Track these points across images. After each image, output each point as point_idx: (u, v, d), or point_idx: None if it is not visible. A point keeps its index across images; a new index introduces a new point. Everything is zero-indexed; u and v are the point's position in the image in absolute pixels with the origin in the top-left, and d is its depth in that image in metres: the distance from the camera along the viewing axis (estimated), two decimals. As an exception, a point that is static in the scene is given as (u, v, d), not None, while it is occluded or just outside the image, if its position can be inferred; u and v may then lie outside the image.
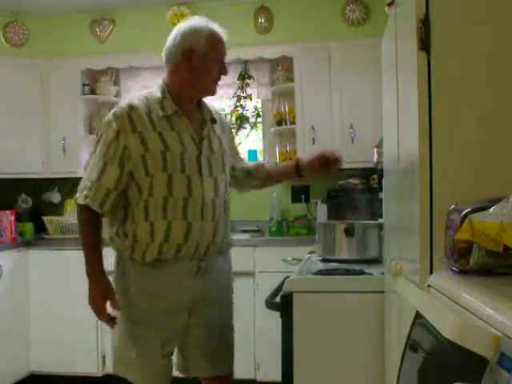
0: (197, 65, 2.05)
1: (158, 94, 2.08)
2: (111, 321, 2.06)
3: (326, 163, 2.32)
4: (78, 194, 2.06)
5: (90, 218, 2.06)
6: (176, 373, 2.21)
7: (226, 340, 2.23)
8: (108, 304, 2.06)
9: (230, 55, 4.52)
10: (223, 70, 2.11)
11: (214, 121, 2.17)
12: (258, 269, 3.74)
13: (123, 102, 2.08)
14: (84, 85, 4.42)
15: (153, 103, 2.05)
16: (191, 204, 2.01)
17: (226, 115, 4.44)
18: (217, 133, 2.17)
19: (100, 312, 2.04)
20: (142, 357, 2.05)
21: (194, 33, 2.05)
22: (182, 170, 2.01)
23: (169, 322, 2.07)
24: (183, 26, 2.09)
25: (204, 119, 2.14)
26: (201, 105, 2.16)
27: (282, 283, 2.25)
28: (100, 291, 2.03)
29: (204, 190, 2.04)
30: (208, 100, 2.22)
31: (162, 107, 2.05)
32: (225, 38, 2.11)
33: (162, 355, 2.08)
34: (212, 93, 2.14)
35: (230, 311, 2.26)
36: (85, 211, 2.05)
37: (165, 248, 2.02)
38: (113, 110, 2.04)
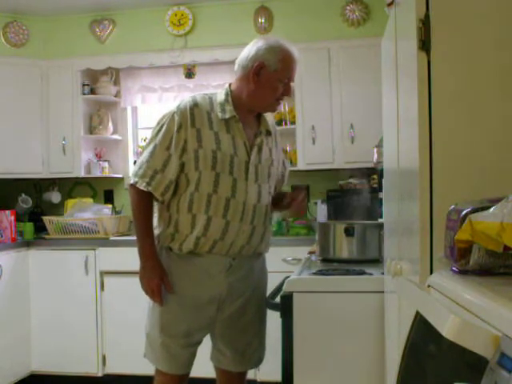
0: (264, 79, 2.13)
1: (222, 97, 2.18)
2: (162, 302, 2.15)
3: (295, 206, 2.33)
4: (136, 179, 2.14)
5: (146, 203, 2.16)
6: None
7: (253, 338, 2.29)
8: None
9: (230, 55, 4.54)
10: (286, 91, 2.18)
11: (268, 133, 2.26)
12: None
13: (188, 97, 2.18)
14: (84, 85, 4.42)
15: (215, 104, 2.16)
16: (233, 205, 2.11)
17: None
18: (269, 145, 2.25)
19: (154, 293, 2.14)
20: (166, 346, 2.17)
21: (270, 48, 2.13)
22: (230, 171, 2.11)
23: (195, 313, 2.17)
24: (262, 40, 2.18)
25: (260, 130, 2.22)
26: (260, 117, 2.26)
27: (282, 283, 2.26)
28: (156, 272, 2.13)
29: (247, 194, 2.13)
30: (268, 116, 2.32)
31: (223, 110, 2.14)
32: (297, 61, 2.21)
33: (185, 345, 2.19)
34: (272, 110, 2.26)
35: (260, 309, 2.30)
36: (142, 196, 2.15)
37: (202, 241, 2.11)
38: (177, 104, 2.16)
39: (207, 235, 2.11)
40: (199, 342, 2.25)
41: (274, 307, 2.21)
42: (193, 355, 2.25)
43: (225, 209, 2.10)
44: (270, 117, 2.36)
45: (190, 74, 4.40)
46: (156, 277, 2.13)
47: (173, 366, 2.20)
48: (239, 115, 2.16)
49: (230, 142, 2.12)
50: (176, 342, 2.17)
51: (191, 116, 2.10)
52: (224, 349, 2.27)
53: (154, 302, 2.18)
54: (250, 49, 2.16)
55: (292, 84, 4.20)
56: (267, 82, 2.14)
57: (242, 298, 2.23)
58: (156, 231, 2.19)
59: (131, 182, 2.17)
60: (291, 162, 4.22)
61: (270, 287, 2.46)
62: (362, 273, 2.24)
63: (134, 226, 2.19)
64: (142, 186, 2.13)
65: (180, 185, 2.14)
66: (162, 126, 2.13)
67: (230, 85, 2.22)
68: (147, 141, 2.21)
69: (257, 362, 2.34)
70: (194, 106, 2.12)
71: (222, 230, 2.11)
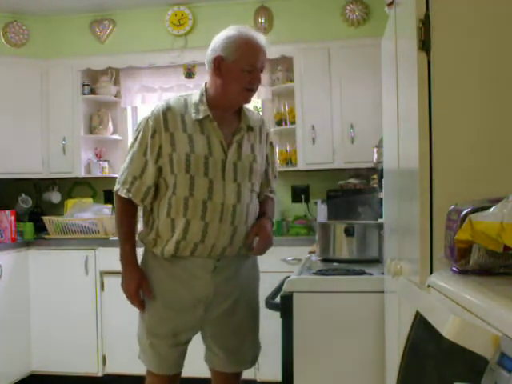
0: (226, 72, 2.08)
1: (197, 97, 2.14)
2: (142, 306, 2.17)
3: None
4: (118, 186, 2.17)
5: (127, 209, 2.18)
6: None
7: (246, 338, 2.26)
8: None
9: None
10: (254, 79, 2.10)
11: (250, 129, 2.19)
12: (258, 269, 3.73)
13: (162, 101, 2.18)
14: (84, 85, 4.42)
15: (189, 105, 2.13)
16: (210, 206, 2.08)
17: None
18: (250, 140, 2.19)
19: (132, 297, 2.16)
20: (154, 346, 2.18)
21: (226, 39, 2.08)
22: (204, 173, 2.07)
23: (182, 314, 2.16)
24: (222, 32, 2.13)
25: (240, 126, 2.16)
26: (241, 112, 2.19)
27: (282, 283, 2.26)
28: (134, 278, 2.15)
29: (225, 194, 2.09)
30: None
31: (197, 110, 2.11)
32: (262, 47, 2.12)
33: (173, 344, 2.18)
34: (245, 101, 2.16)
35: (251, 308, 2.28)
36: (124, 202, 2.17)
37: (182, 245, 2.10)
38: (152, 109, 2.15)
39: (187, 238, 2.09)
40: (188, 341, 2.24)
41: (274, 307, 2.20)
42: (182, 354, 2.24)
43: (202, 211, 2.08)
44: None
45: (189, 74, 4.40)
46: (134, 282, 2.14)
47: (162, 366, 2.20)
48: (215, 114, 2.12)
49: (205, 143, 2.09)
50: (163, 342, 2.17)
51: (164, 120, 2.09)
52: (217, 350, 2.26)
53: (133, 305, 2.19)
54: (211, 44, 2.13)
55: (292, 84, 4.20)
56: (229, 73, 2.08)
57: (230, 298, 2.20)
58: (141, 235, 2.20)
59: (114, 188, 2.19)
60: (291, 162, 4.22)
61: (270, 287, 2.46)
62: (362, 273, 2.24)
63: (117, 232, 2.22)
64: (123, 193, 2.15)
65: (160, 189, 2.13)
66: (138, 133, 2.14)
67: (205, 84, 2.19)
68: (128, 147, 2.23)
69: (251, 361, 2.32)
70: (167, 109, 2.11)
71: (201, 233, 2.09)
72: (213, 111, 2.12)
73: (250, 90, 2.12)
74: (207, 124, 2.11)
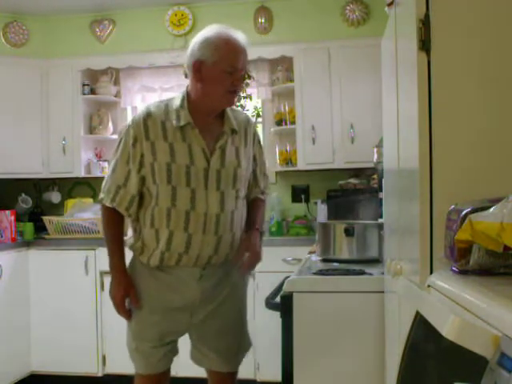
0: (206, 75, 2.01)
1: (178, 102, 2.07)
2: (128, 315, 2.16)
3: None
4: (102, 195, 2.15)
5: (114, 218, 2.15)
6: (174, 372, 2.24)
7: (233, 339, 2.24)
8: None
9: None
10: (236, 81, 2.03)
11: (234, 132, 2.12)
12: (257, 269, 3.72)
13: (143, 107, 2.12)
14: (84, 85, 4.42)
15: (171, 112, 2.06)
16: (193, 217, 2.03)
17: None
18: (235, 144, 2.12)
19: (118, 306, 2.14)
20: (139, 349, 2.16)
21: (204, 41, 2.01)
22: (186, 183, 2.02)
23: (167, 320, 2.13)
24: (200, 33, 2.06)
25: (223, 131, 2.09)
26: (224, 116, 2.11)
27: (282, 283, 2.25)
28: (121, 287, 2.12)
29: (208, 204, 2.04)
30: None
31: (178, 117, 2.05)
32: (242, 47, 2.03)
33: (159, 345, 2.15)
34: (228, 104, 2.09)
35: (238, 312, 2.25)
36: (109, 211, 2.14)
37: (166, 256, 2.08)
38: (133, 116, 2.13)
39: (171, 249, 2.06)
40: (173, 342, 2.21)
41: (274, 307, 2.20)
42: (168, 353, 2.20)
43: (185, 222, 2.03)
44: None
45: (189, 74, 4.39)
46: (120, 291, 2.12)
47: (148, 366, 2.18)
48: (197, 119, 2.05)
49: (186, 152, 2.02)
50: (148, 344, 2.15)
51: (145, 128, 2.03)
52: (206, 351, 2.22)
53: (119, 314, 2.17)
54: (190, 47, 2.05)
55: (292, 84, 4.20)
56: (210, 76, 2.00)
57: (215, 301, 2.16)
58: (130, 242, 2.18)
59: (99, 197, 2.18)
60: (291, 162, 4.22)
61: (270, 287, 2.46)
62: (362, 273, 2.24)
63: (104, 241, 2.18)
64: (107, 203, 2.12)
65: (144, 198, 2.10)
66: (120, 141, 2.10)
67: (186, 87, 2.12)
68: (112, 155, 2.18)
69: (236, 364, 2.28)
70: (148, 116, 2.05)
71: (185, 244, 2.05)
72: (195, 116, 2.05)
73: (233, 92, 2.05)
74: (189, 131, 2.04)
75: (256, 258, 2.16)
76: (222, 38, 2.01)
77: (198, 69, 2.01)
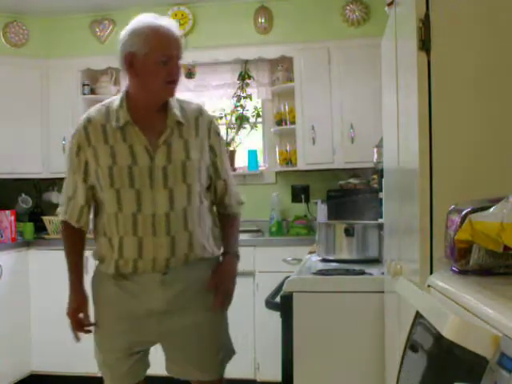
0: (140, 68, 1.90)
1: (117, 103, 1.97)
2: (84, 331, 2.09)
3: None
4: (58, 209, 2.09)
5: (69, 232, 2.08)
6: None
7: (211, 346, 2.06)
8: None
9: (230, 55, 4.52)
10: (171, 70, 1.90)
11: (180, 124, 1.97)
12: (257, 269, 3.74)
13: (84, 114, 2.05)
14: (84, 85, 4.42)
15: (111, 113, 1.97)
16: (141, 219, 1.92)
17: (225, 115, 4.44)
18: (184, 136, 1.97)
19: (72, 323, 2.08)
20: (107, 362, 2.08)
21: (132, 33, 1.91)
22: (130, 184, 1.92)
23: (133, 329, 2.00)
24: (128, 26, 1.96)
25: (167, 124, 1.95)
26: (167, 109, 1.97)
27: (282, 283, 2.26)
28: (74, 304, 2.07)
29: (155, 204, 1.92)
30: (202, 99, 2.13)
31: (117, 117, 1.95)
32: (174, 34, 1.92)
33: (127, 356, 2.04)
34: (168, 95, 1.96)
35: (216, 321, 2.07)
36: (65, 225, 2.08)
37: (121, 263, 1.98)
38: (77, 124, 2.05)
39: (124, 256, 1.96)
40: (142, 351, 2.07)
41: (274, 307, 2.21)
42: (136, 364, 2.06)
43: (133, 226, 1.92)
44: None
45: (189, 74, 4.40)
46: (72, 309, 2.06)
47: (115, 379, 2.07)
48: (138, 116, 1.94)
49: (127, 152, 1.92)
50: (115, 355, 2.04)
51: (86, 135, 1.96)
52: (183, 363, 2.06)
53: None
54: (120, 42, 1.95)
55: (292, 84, 4.18)
56: (144, 69, 1.89)
57: (187, 310, 1.99)
58: (93, 251, 2.09)
59: (57, 212, 2.12)
60: (291, 162, 4.22)
61: (270, 287, 2.46)
62: (362, 273, 2.24)
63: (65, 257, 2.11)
64: (61, 216, 2.07)
65: (98, 208, 2.03)
66: (68, 150, 2.06)
67: (125, 86, 2.02)
68: None
69: (218, 371, 2.09)
70: (88, 123, 1.97)
71: (137, 249, 1.94)
72: (136, 114, 1.94)
73: (171, 82, 1.92)
74: (129, 130, 1.93)
75: (227, 297, 2.06)
76: (150, 27, 1.91)
77: (131, 63, 1.90)
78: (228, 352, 2.12)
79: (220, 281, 2.04)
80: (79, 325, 2.08)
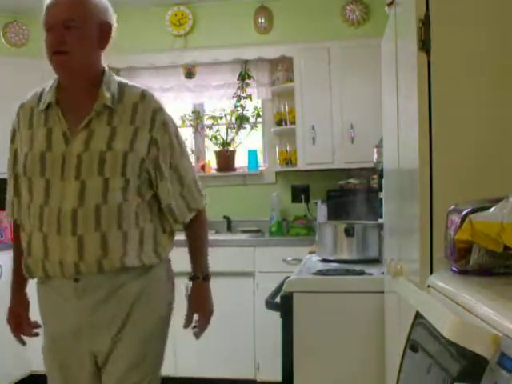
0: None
1: (51, 83, 1.81)
2: (21, 340, 2.01)
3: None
4: (6, 210, 1.92)
5: (15, 232, 1.88)
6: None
7: (137, 375, 1.76)
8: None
9: (230, 55, 4.51)
10: (51, 39, 1.74)
11: (110, 109, 1.71)
12: (257, 269, 3.74)
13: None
14: (84, 85, 4.41)
15: (43, 95, 1.80)
16: (47, 213, 1.67)
17: (225, 115, 4.44)
18: (113, 123, 1.70)
19: (11, 331, 1.99)
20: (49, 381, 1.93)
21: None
22: (41, 172, 1.68)
23: (63, 346, 1.82)
24: None
25: (93, 109, 1.70)
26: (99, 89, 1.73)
27: (282, 283, 2.26)
28: (10, 310, 1.94)
29: (63, 197, 1.66)
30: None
31: (45, 99, 1.76)
32: (54, 2, 1.77)
33: (63, 381, 1.88)
34: (57, 68, 1.75)
35: (143, 341, 1.75)
36: (14, 228, 1.90)
37: (30, 263, 1.74)
38: None
39: (32, 255, 1.72)
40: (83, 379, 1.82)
41: (274, 307, 2.21)
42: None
43: (40, 219, 1.68)
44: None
45: (189, 74, 4.40)
46: (8, 315, 1.94)
47: None
48: (66, 98, 1.73)
49: (44, 136, 1.70)
50: (55, 376, 1.91)
51: (17, 121, 1.81)
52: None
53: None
54: None
55: (292, 84, 4.16)
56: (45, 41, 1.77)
57: (113, 326, 1.72)
58: None
59: None
60: (291, 162, 4.22)
61: (270, 287, 2.46)
62: (362, 273, 2.24)
63: None
64: (8, 217, 1.87)
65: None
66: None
67: None
68: None
69: None
70: (20, 108, 1.82)
71: (42, 247, 1.68)
72: (63, 95, 1.74)
73: (56, 53, 1.71)
74: (52, 113, 1.73)
75: (206, 325, 1.87)
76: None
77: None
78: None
79: (194, 317, 1.86)
80: (18, 329, 1.96)
